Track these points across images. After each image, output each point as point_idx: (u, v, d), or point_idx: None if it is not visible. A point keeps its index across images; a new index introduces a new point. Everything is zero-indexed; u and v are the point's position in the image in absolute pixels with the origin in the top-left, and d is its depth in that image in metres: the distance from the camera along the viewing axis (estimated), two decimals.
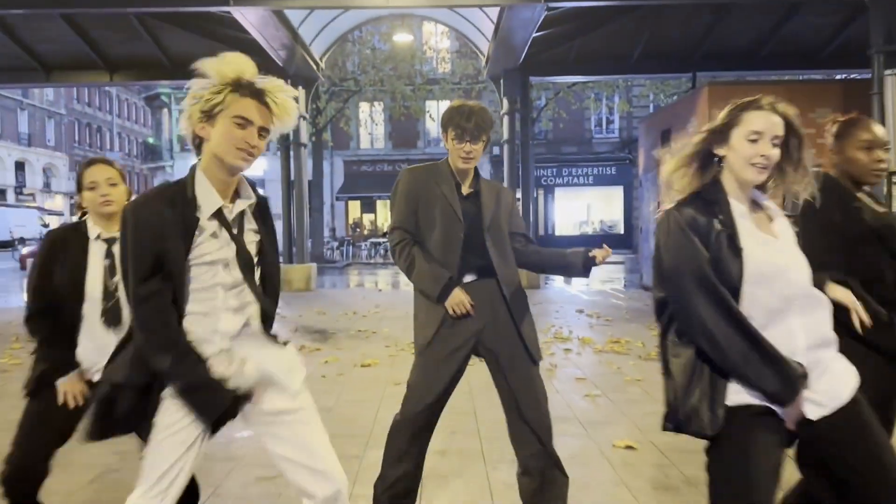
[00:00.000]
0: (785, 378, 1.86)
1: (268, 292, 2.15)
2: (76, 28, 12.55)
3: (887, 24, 9.76)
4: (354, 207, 34.47)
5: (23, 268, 28.02)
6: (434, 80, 27.27)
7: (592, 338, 8.10)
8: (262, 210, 2.19)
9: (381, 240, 27.37)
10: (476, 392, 5.12)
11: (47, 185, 52.69)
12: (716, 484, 1.96)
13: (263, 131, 2.07)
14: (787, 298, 1.95)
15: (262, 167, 30.92)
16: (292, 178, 14.77)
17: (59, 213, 50.99)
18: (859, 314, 2.31)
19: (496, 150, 27.34)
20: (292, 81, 13.75)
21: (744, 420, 1.90)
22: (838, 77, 15.75)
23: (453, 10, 13.15)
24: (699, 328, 1.91)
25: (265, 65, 12.74)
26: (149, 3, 10.56)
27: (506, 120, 14.56)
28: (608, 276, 18.49)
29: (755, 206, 2.09)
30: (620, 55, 14.14)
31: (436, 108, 30.07)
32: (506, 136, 14.61)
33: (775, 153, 2.00)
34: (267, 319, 2.14)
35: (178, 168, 32.83)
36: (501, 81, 14.42)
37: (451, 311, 2.82)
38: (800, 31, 13.12)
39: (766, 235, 2.02)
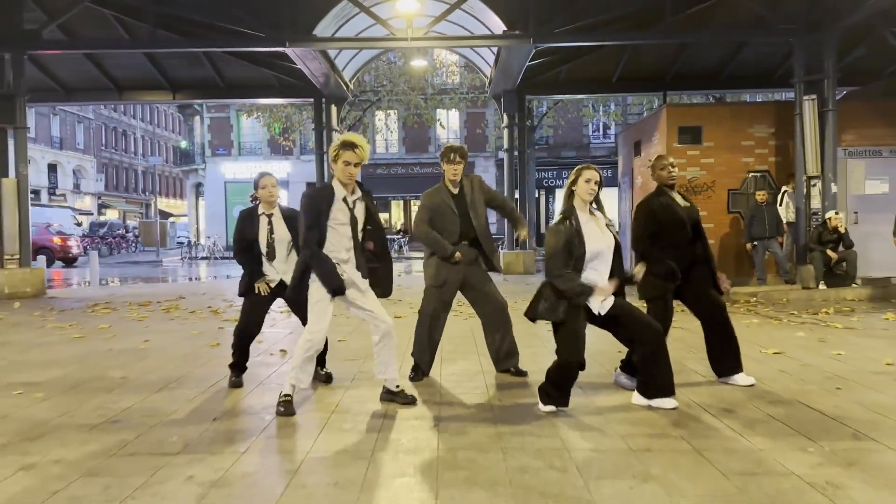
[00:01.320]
0: (587, 288, 4.36)
1: (375, 237, 4.71)
2: (149, 57, 15.21)
3: (807, 61, 12.29)
4: None
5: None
6: (444, 91, 29.90)
7: None
8: (367, 197, 4.68)
9: (394, 236, 29.93)
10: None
11: (77, 186, 55.42)
12: (561, 341, 4.46)
13: (356, 164, 4.53)
14: (600, 261, 4.46)
15: (286, 170, 33.66)
16: (326, 180, 17.36)
17: (89, 213, 53.84)
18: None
19: (501, 155, 29.83)
20: (326, 101, 16.48)
21: (572, 311, 4.42)
22: (771, 101, 18.15)
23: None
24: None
25: (307, 88, 15.55)
26: (219, 45, 13.21)
27: (506, 132, 17.17)
28: None
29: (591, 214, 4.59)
30: (602, 78, 16.66)
31: (445, 117, 32.71)
32: (506, 145, 17.21)
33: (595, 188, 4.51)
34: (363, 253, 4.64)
35: (209, 171, 35.57)
36: (502, 100, 17.01)
37: (454, 259, 5.38)
38: (754, 57, 15.61)
39: (596, 229, 4.52)
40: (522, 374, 5.57)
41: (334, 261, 4.48)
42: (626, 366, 5.20)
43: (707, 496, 3.11)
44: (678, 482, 3.28)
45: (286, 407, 4.51)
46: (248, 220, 5.31)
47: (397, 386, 4.79)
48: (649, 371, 4.54)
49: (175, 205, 65.90)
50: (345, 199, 4.52)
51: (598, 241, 4.42)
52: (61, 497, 3.16)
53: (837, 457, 3.62)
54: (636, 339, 4.52)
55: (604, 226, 4.52)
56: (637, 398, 4.67)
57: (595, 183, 4.46)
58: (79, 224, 47.39)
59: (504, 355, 5.63)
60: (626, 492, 3.18)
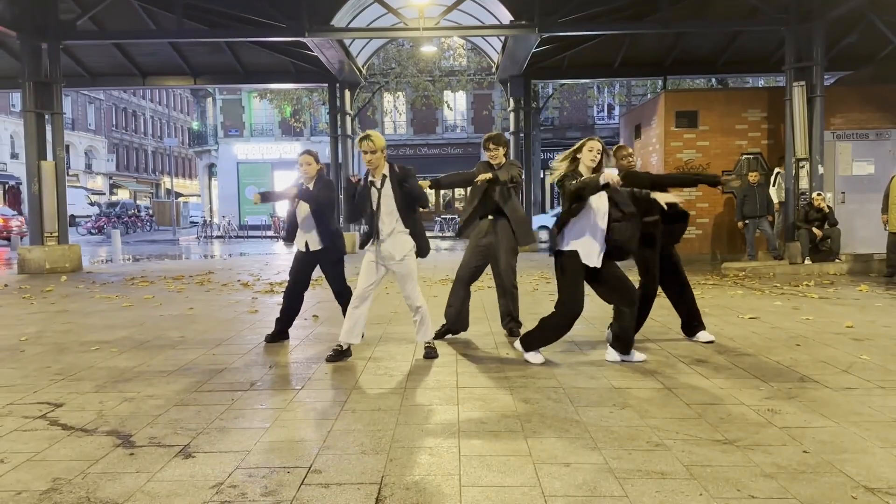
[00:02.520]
0: (595, 180, 5.12)
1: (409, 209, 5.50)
2: (173, 45, 15.99)
3: (797, 49, 12.99)
4: None
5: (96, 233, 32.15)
6: (452, 73, 30.58)
7: None
8: (395, 177, 5.42)
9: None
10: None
11: (89, 167, 56.30)
12: (565, 292, 5.28)
13: (372, 151, 5.33)
14: (598, 215, 5.27)
15: (296, 151, 34.24)
16: (340, 161, 18.15)
17: (101, 193, 54.84)
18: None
19: (507, 136, 30.54)
20: (340, 86, 17.24)
21: (574, 264, 5.25)
22: (764, 87, 18.81)
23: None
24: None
25: (322, 73, 16.32)
26: (242, 35, 13.99)
27: (512, 116, 17.94)
28: None
29: None
30: (604, 63, 17.37)
31: (453, 99, 33.39)
32: (512, 128, 17.99)
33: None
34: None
35: (221, 152, 36.41)
36: (509, 84, 17.75)
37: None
38: (750, 43, 16.29)
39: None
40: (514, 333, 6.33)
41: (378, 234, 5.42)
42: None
43: (671, 418, 3.97)
44: (649, 409, 4.14)
45: (335, 354, 5.47)
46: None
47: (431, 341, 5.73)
48: (621, 327, 5.35)
49: (185, 185, 66.79)
50: (372, 184, 5.37)
51: (597, 203, 5.09)
52: (165, 418, 4.03)
53: (782, 393, 4.48)
54: (614, 296, 5.29)
55: (600, 194, 5.13)
56: (610, 354, 5.46)
57: (597, 152, 5.12)
58: (92, 203, 48.45)
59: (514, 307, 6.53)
60: (607, 415, 4.04)
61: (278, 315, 6.30)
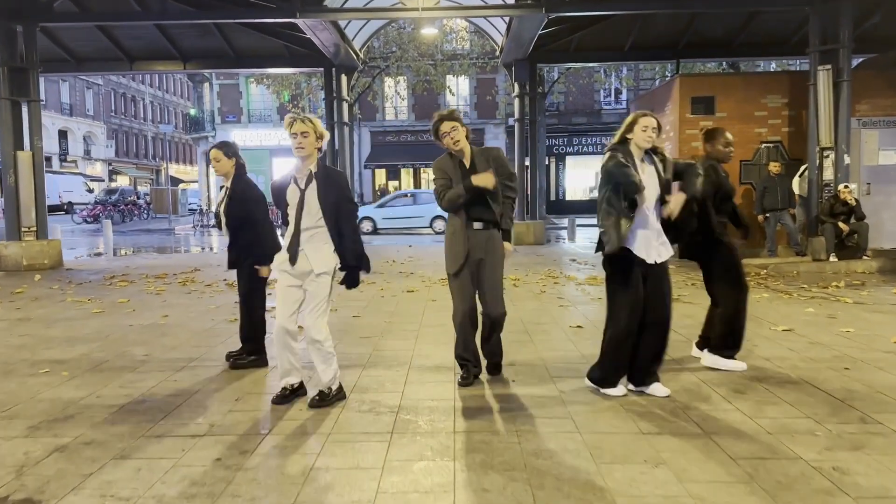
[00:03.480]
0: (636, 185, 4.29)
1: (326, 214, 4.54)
2: (160, 28, 15.17)
3: (822, 30, 12.14)
4: (380, 175, 37.11)
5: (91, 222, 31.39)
6: (454, 57, 29.67)
7: (576, 276, 10.77)
8: (324, 176, 4.35)
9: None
10: None
11: (87, 153, 55.57)
12: (615, 303, 4.50)
13: (303, 133, 4.15)
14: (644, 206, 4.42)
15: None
16: (336, 148, 17.34)
17: (100, 179, 54.07)
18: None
19: (511, 122, 29.70)
20: (336, 70, 16.43)
21: (626, 268, 4.43)
22: (785, 70, 17.94)
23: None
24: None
25: (317, 57, 15.52)
26: (230, 15, 13.17)
27: (517, 101, 17.09)
28: None
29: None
30: (615, 46, 16.50)
31: (455, 83, 32.49)
32: (516, 115, 17.15)
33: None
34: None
35: (219, 138, 35.50)
36: (513, 68, 16.90)
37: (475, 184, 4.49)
38: (768, 24, 15.41)
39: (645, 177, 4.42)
40: (496, 372, 5.05)
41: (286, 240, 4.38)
42: (704, 341, 5.35)
43: (716, 482, 3.22)
44: (688, 467, 3.38)
45: (281, 396, 4.49)
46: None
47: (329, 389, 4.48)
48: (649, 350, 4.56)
49: (185, 171, 66.01)
50: (294, 180, 4.33)
51: (648, 184, 4.35)
52: (95, 480, 3.30)
53: (844, 440, 3.72)
54: (649, 310, 4.51)
55: (653, 174, 4.42)
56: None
57: (652, 130, 4.36)
58: (90, 190, 47.71)
59: (488, 353, 5.05)
60: (638, 477, 3.29)
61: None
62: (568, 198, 34.95)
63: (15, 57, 12.21)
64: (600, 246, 4.54)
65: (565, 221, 23.95)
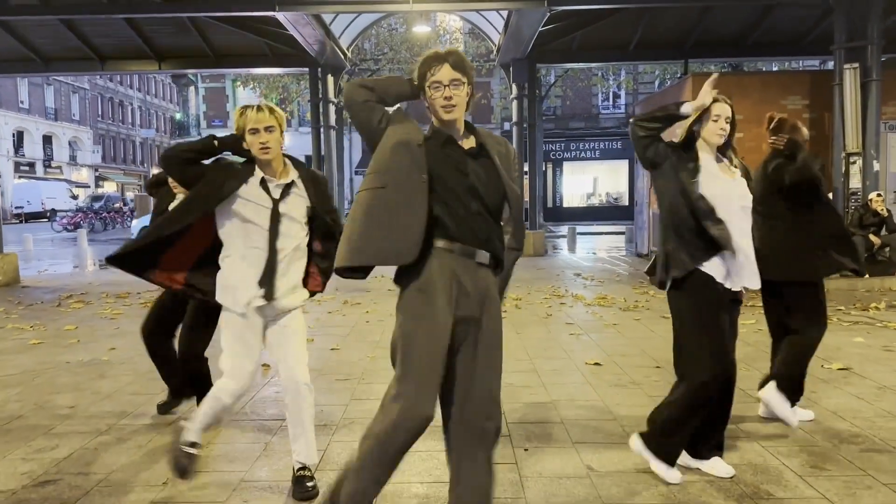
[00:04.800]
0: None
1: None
2: (131, 24, 14.09)
3: (848, 25, 11.18)
4: None
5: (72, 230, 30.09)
6: None
7: (584, 295, 9.73)
8: (309, 181, 3.29)
9: None
10: None
11: (73, 158, 54.34)
12: (693, 346, 3.27)
13: (268, 129, 3.09)
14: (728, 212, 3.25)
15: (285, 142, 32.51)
16: (322, 154, 16.29)
17: (86, 185, 52.77)
18: None
19: (507, 126, 28.74)
20: (322, 70, 15.40)
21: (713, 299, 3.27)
22: (806, 69, 17.04)
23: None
24: None
25: (302, 56, 14.49)
26: (202, 8, 12.11)
27: (514, 103, 16.07)
28: (610, 245, 20.03)
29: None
30: (619, 45, 15.52)
31: None
32: (514, 117, 16.12)
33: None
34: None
35: None
36: (511, 69, 15.89)
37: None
38: (782, 22, 14.46)
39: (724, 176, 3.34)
40: None
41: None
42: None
43: None
44: None
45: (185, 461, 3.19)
46: None
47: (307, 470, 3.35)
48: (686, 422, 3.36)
49: None
50: (264, 187, 3.18)
51: (724, 191, 3.28)
52: None
53: None
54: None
55: (736, 175, 3.40)
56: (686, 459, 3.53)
57: (726, 121, 3.34)
58: (74, 197, 46.40)
59: None
60: None
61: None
62: (565, 204, 33.92)
63: None
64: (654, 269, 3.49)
65: (563, 229, 23.00)
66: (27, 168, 48.29)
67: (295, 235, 3.22)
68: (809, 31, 14.52)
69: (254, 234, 3.15)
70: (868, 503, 3.15)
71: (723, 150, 3.45)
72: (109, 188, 55.97)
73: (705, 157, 3.36)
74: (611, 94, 34.32)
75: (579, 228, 23.19)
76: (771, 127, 4.23)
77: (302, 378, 3.25)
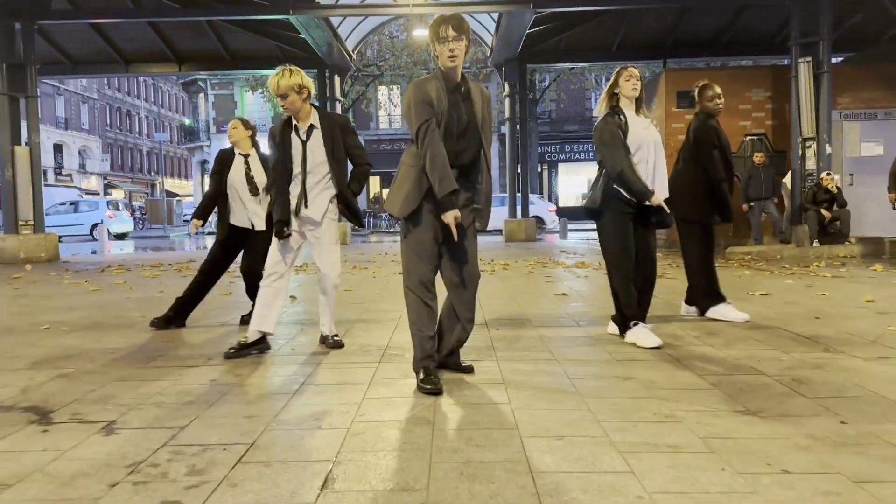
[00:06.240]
0: (648, 191, 4.52)
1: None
2: (155, 29, 15.44)
3: (802, 23, 12.48)
4: (374, 183, 37.31)
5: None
6: None
7: (565, 262, 10.99)
8: (328, 125, 4.41)
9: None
10: None
11: (83, 166, 55.68)
12: (609, 248, 4.68)
13: (282, 96, 4.15)
14: (643, 155, 4.56)
15: None
16: None
17: (95, 193, 54.14)
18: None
19: (503, 129, 30.02)
20: (329, 71, 16.69)
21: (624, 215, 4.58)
22: (769, 65, 18.27)
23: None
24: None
25: (311, 58, 15.77)
26: (220, 13, 13.44)
27: (507, 102, 17.37)
28: None
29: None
30: (602, 45, 16.82)
31: None
32: (507, 114, 17.43)
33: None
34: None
35: (214, 147, 35.79)
36: (503, 69, 17.20)
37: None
38: (754, 22, 15.73)
39: (640, 124, 4.61)
40: (467, 370, 3.82)
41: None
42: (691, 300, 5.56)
43: (679, 388, 3.42)
44: (656, 380, 3.59)
45: (237, 349, 4.38)
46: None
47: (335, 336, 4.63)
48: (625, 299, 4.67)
49: (181, 185, 66.16)
50: (295, 130, 4.31)
51: (643, 135, 4.52)
52: (97, 394, 3.48)
53: (807, 363, 3.93)
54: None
55: (648, 123, 4.62)
56: (612, 327, 4.84)
57: (637, 79, 4.55)
58: None
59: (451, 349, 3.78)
60: (608, 387, 3.49)
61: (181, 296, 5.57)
62: (561, 204, 35.15)
63: (13, 54, 12.45)
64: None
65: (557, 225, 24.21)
66: None
67: (320, 163, 4.33)
68: (777, 32, 15.79)
69: (295, 166, 4.37)
70: (739, 347, 4.40)
71: (637, 105, 4.69)
72: (117, 195, 57.42)
73: (628, 112, 4.61)
74: None
75: (573, 226, 24.41)
76: (697, 92, 5.49)
77: (330, 273, 4.45)
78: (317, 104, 4.52)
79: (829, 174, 11.89)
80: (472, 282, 3.65)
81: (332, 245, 4.47)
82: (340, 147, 4.37)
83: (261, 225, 5.23)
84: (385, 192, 31.02)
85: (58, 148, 52.59)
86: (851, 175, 13.38)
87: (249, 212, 5.29)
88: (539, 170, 32.72)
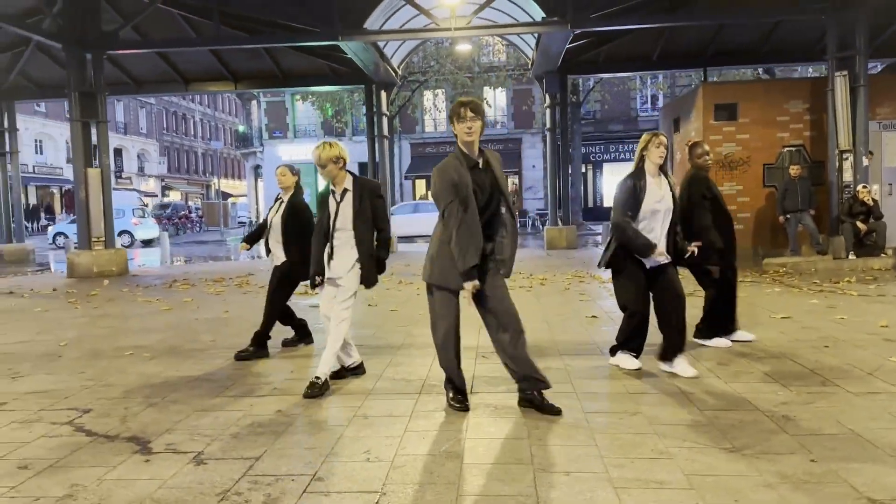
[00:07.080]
0: (649, 245, 5.07)
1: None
2: (213, 52, 16.32)
3: (838, 37, 12.65)
4: (420, 185, 38.08)
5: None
6: (490, 69, 30.54)
7: (601, 276, 11.44)
8: (359, 190, 5.01)
9: None
10: None
11: (141, 170, 57.85)
12: (622, 293, 5.22)
13: (321, 166, 4.82)
14: (654, 219, 5.09)
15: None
16: (377, 161, 18.21)
17: (154, 195, 56.24)
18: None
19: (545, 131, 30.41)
20: (376, 87, 17.38)
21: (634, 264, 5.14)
22: (806, 77, 18.28)
23: None
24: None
25: (358, 75, 16.45)
26: (278, 40, 14.23)
27: (548, 112, 17.83)
28: None
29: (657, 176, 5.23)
30: (642, 56, 17.08)
31: (493, 95, 33.26)
32: (548, 124, 17.88)
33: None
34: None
35: (266, 153, 37.05)
36: (544, 81, 17.64)
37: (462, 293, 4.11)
38: (792, 33, 15.84)
39: (657, 191, 5.17)
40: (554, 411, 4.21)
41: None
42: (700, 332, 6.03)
43: (679, 424, 3.95)
44: (659, 416, 4.11)
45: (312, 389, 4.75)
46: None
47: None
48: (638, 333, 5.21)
49: (234, 185, 68.08)
50: (332, 193, 4.94)
51: (657, 201, 4.99)
52: (184, 425, 4.17)
53: (801, 398, 4.40)
54: (656, 304, 5.17)
55: (666, 189, 5.06)
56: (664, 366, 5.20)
57: (665, 148, 5.02)
58: (145, 206, 49.63)
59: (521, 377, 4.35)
60: (615, 422, 4.03)
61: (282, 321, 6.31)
62: (605, 204, 35.38)
63: (85, 82, 13.42)
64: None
65: (600, 227, 24.55)
66: None
67: (347, 226, 4.88)
68: (816, 41, 15.83)
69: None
70: (743, 380, 4.88)
71: (663, 169, 5.15)
72: (174, 197, 59.48)
73: (648, 175, 5.06)
74: (649, 97, 35.66)
75: None
76: (688, 150, 5.97)
77: (336, 326, 4.87)
78: (353, 172, 5.09)
79: (864, 187, 12.08)
80: (510, 320, 4.21)
81: (347, 300, 4.88)
82: (367, 210, 4.91)
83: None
84: (428, 194, 31.31)
85: (118, 152, 54.63)
86: (891, 185, 13.50)
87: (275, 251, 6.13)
88: (583, 170, 32.97)
